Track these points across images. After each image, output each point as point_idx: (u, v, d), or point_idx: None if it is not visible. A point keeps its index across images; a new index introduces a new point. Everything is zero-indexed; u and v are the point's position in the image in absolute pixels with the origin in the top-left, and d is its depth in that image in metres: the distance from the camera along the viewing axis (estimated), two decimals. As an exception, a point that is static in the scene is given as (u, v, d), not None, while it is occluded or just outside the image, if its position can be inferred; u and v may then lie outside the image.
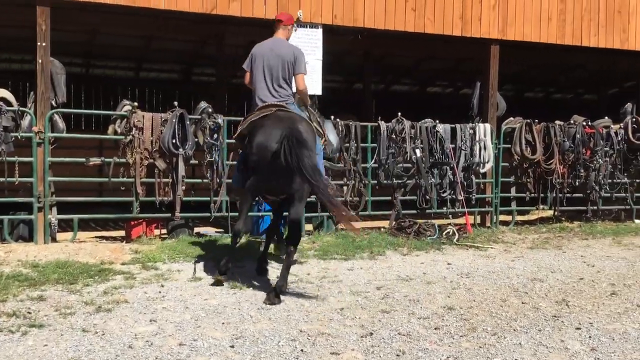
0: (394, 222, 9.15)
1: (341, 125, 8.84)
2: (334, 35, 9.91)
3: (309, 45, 8.74)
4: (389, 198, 9.27)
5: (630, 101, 11.37)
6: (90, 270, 6.25)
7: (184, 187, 7.98)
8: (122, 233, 8.84)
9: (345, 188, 8.87)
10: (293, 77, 6.05)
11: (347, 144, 8.85)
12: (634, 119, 10.52)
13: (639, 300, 5.56)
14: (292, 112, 5.86)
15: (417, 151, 9.17)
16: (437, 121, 9.42)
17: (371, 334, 4.51)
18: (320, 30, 8.79)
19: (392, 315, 5.00)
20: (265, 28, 8.86)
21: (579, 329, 4.73)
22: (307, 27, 8.71)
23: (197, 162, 8.34)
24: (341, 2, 8.82)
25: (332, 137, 8.55)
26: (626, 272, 6.73)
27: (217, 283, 5.79)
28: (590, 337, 4.55)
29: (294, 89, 6.16)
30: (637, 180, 10.54)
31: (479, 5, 9.54)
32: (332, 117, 8.90)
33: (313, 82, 8.76)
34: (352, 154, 8.88)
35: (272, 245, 6.96)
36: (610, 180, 10.28)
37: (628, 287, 6.05)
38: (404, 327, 4.68)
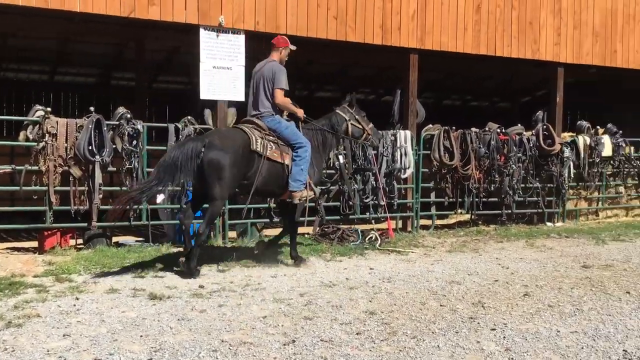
0: (317, 228, 9.20)
1: (264, 131, 8.80)
2: (257, 42, 9.89)
3: (232, 52, 8.68)
4: (313, 204, 9.29)
5: (541, 109, 11.92)
6: (0, 283, 5.94)
7: (101, 196, 7.73)
8: (35, 244, 8.45)
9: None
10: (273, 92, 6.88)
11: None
12: (544, 126, 11.03)
13: (550, 301, 5.82)
14: (236, 129, 6.87)
15: (341, 157, 9.25)
16: (359, 128, 9.53)
17: (293, 341, 4.50)
18: (242, 37, 8.74)
19: (315, 321, 5.01)
20: (187, 33, 8.79)
21: (494, 329, 4.90)
22: (229, 33, 8.64)
23: (115, 169, 8.09)
24: (264, 9, 8.81)
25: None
26: (538, 274, 7.04)
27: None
28: (504, 337, 4.72)
29: None
30: (548, 185, 11.04)
31: (398, 16, 9.77)
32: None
33: (236, 89, 8.73)
34: (275, 160, 8.85)
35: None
36: (523, 185, 10.72)
37: (540, 288, 6.32)
38: (326, 334, 4.70)
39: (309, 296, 5.81)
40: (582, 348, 4.52)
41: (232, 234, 8.95)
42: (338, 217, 9.49)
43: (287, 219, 7.55)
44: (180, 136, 8.21)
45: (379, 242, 8.70)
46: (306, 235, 9.07)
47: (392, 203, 9.75)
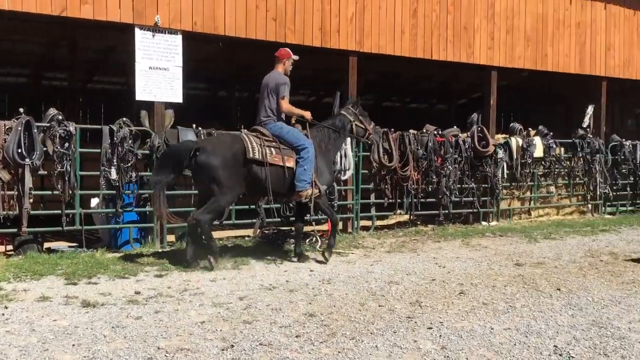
0: (258, 231, 9.14)
1: (203, 133, 8.70)
2: (195, 42, 9.76)
3: (169, 52, 8.54)
4: (253, 207, 9.24)
5: (476, 111, 12.23)
6: None
7: (31, 200, 7.44)
8: (-40, 251, 8.07)
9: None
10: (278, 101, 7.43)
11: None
12: (479, 128, 11.31)
13: (484, 299, 5.97)
14: (237, 136, 7.36)
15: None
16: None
17: (232, 346, 4.46)
18: (179, 37, 8.61)
19: (254, 325, 4.98)
20: (123, 32, 8.58)
21: (431, 328, 4.99)
22: (165, 33, 8.49)
23: (46, 172, 7.81)
24: (201, 9, 8.70)
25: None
26: (473, 272, 7.21)
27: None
28: (440, 335, 4.81)
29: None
30: (483, 185, 11.34)
31: (337, 18, 9.84)
32: (194, 125, 8.74)
33: (173, 90, 8.59)
34: (215, 162, 8.76)
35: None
36: (459, 186, 10.97)
37: (475, 286, 6.48)
38: (265, 337, 4.67)
39: (248, 300, 5.77)
40: (515, 344, 4.66)
41: (171, 238, 8.80)
42: (279, 220, 9.46)
43: (299, 220, 7.99)
44: (115, 138, 8.00)
45: (319, 243, 8.73)
46: (246, 238, 9.01)
47: (332, 205, 9.78)
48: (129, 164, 8.10)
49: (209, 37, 9.12)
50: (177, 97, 8.62)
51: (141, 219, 8.58)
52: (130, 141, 8.12)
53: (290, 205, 9.27)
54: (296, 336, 4.72)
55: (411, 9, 10.56)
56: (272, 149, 7.28)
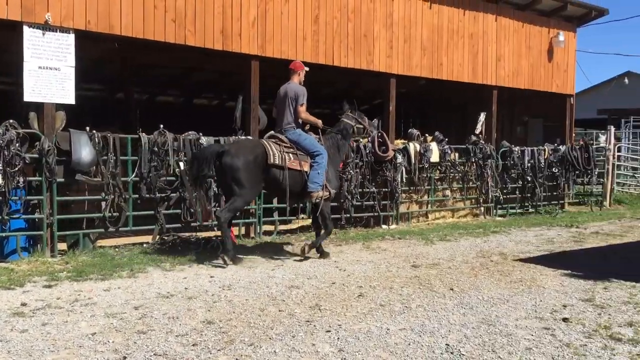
0: (157, 237, 8.90)
1: (98, 137, 8.36)
2: (90, 42, 9.38)
3: (60, 51, 8.15)
4: (152, 212, 8.99)
5: (377, 117, 12.52)
6: None
7: None
8: None
9: (103, 203, 8.42)
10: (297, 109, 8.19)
11: (106, 157, 8.42)
12: (379, 134, 11.58)
13: (382, 300, 6.11)
14: (259, 141, 8.16)
15: (181, 164, 9.04)
16: (201, 134, 9.40)
17: (125, 357, 4.30)
18: (72, 36, 8.22)
19: (149, 335, 4.83)
20: (11, 30, 8.08)
21: (329, 331, 5.04)
22: (57, 32, 8.09)
23: None
24: (95, 8, 8.36)
25: (87, 150, 8.08)
26: (372, 275, 7.37)
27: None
28: (338, 338, 4.87)
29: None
30: (383, 189, 11.62)
31: (238, 22, 9.76)
32: (88, 128, 8.39)
33: (65, 90, 8.21)
34: (110, 167, 8.45)
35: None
36: (360, 190, 11.18)
37: (373, 289, 6.61)
38: (160, 347, 4.55)
39: (144, 309, 5.59)
40: (409, 344, 4.79)
41: (62, 246, 8.38)
42: (179, 225, 9.25)
43: (325, 222, 8.55)
44: (1, 141, 7.51)
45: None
46: (144, 245, 8.74)
47: (235, 209, 9.68)
48: (16, 169, 7.64)
49: (104, 36, 8.78)
50: (69, 98, 8.24)
51: (29, 227, 8.11)
52: (17, 144, 7.67)
53: (191, 210, 9.11)
54: (193, 345, 4.63)
55: (313, 15, 10.67)
56: (290, 155, 8.05)
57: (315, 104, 21.74)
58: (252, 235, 10.06)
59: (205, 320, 5.28)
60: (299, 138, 8.21)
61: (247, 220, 10.07)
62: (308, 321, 5.30)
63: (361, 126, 9.07)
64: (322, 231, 8.55)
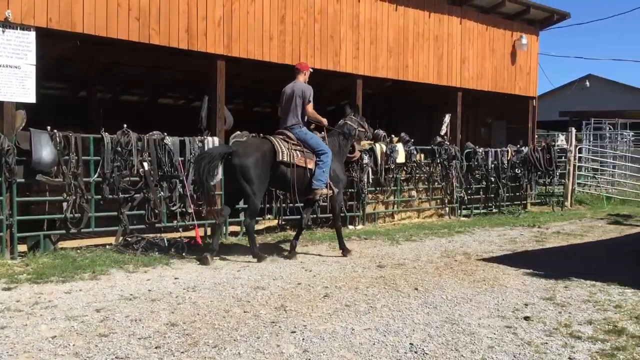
0: (120, 238, 8.77)
1: (59, 136, 8.20)
2: (52, 40, 9.21)
3: (21, 49, 7.98)
4: (115, 213, 8.85)
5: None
6: None
7: None
8: None
9: (65, 204, 8.26)
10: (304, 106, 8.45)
11: (67, 157, 8.26)
12: (346, 134, 11.61)
13: (347, 300, 6.13)
14: (265, 139, 8.33)
15: (145, 164, 8.93)
16: (166, 134, 9.29)
17: (85, 361, 4.23)
18: (33, 34, 8.05)
19: (111, 338, 4.76)
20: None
21: (294, 332, 5.03)
22: (17, 29, 7.91)
23: None
24: (57, 5, 8.20)
25: (48, 150, 7.92)
26: (338, 275, 7.38)
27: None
28: (303, 339, 4.87)
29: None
30: (350, 190, 11.66)
31: (204, 21, 9.69)
32: (49, 127, 8.22)
33: (25, 89, 8.03)
34: (72, 167, 8.30)
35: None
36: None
37: (339, 289, 6.63)
38: (122, 350, 4.48)
39: (106, 311, 5.51)
40: (374, 344, 4.82)
41: (22, 247, 8.19)
42: (143, 226, 9.13)
43: (306, 213, 8.99)
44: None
45: (186, 250, 8.52)
46: (107, 247, 8.60)
47: (200, 210, 9.61)
48: (-26, 169, 7.45)
49: (66, 34, 8.62)
50: (30, 97, 8.06)
51: (-12, 228, 7.91)
52: (-25, 144, 7.48)
53: (156, 211, 9.00)
54: (156, 347, 4.57)
55: (279, 15, 10.65)
56: (298, 152, 8.26)
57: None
58: (217, 236, 9.96)
59: (168, 322, 5.22)
60: (306, 136, 8.44)
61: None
62: (273, 322, 5.29)
63: (362, 129, 9.49)
64: (336, 231, 8.85)
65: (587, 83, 34.94)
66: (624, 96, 34.27)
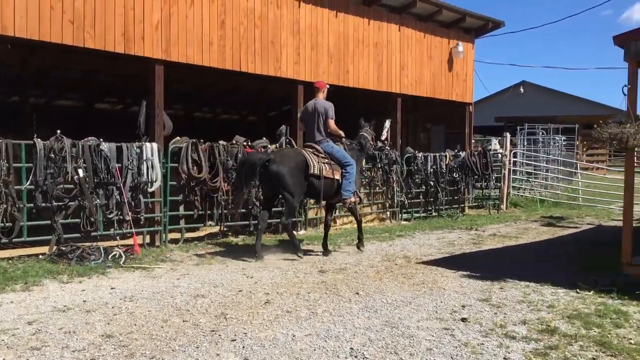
0: (54, 248, 8.49)
1: (-12, 143, 7.88)
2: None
3: (-55, 51, 7.62)
4: (49, 222, 8.56)
5: (286, 123, 12.56)
6: None
7: None
8: None
9: None
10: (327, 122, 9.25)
11: (-3, 164, 7.95)
12: (287, 140, 11.62)
13: (288, 307, 6.12)
14: (299, 151, 9.23)
15: (80, 171, 8.67)
16: (102, 140, 9.06)
17: (15, 377, 4.06)
18: (-42, 35, 7.72)
19: (43, 351, 4.59)
20: None
21: (235, 340, 4.99)
22: (-59, 30, 7.56)
23: None
24: (-14, 7, 7.89)
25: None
26: (280, 281, 7.36)
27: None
28: (244, 347, 4.83)
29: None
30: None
31: (141, 25, 9.50)
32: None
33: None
34: (2, 174, 7.98)
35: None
36: (269, 196, 11.14)
37: (280, 295, 6.61)
38: (55, 364, 4.33)
39: (38, 324, 5.32)
40: (315, 350, 4.82)
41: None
42: (79, 235, 8.86)
43: (329, 216, 9.97)
44: None
45: (123, 259, 8.32)
46: (40, 256, 8.30)
47: (138, 218, 9.42)
48: None
49: (-6, 38, 8.29)
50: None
51: None
52: None
53: (92, 219, 8.76)
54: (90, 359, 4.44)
55: (219, 20, 10.55)
56: (326, 165, 9.06)
57: (223, 109, 21.61)
58: (157, 243, 9.79)
59: (104, 334, 5.08)
60: (332, 150, 9.26)
61: (152, 229, 9.80)
62: (213, 331, 5.22)
63: (373, 142, 10.67)
64: (357, 225, 9.97)
65: (521, 89, 36.18)
66: (556, 102, 35.68)
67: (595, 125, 7.20)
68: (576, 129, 25.87)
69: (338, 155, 9.27)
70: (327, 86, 9.77)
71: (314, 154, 9.06)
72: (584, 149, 28.59)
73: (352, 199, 9.35)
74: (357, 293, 6.78)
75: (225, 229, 10.99)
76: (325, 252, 9.37)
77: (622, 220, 7.53)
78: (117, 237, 9.20)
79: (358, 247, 9.75)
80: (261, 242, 8.93)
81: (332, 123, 9.31)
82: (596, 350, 4.90)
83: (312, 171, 8.86)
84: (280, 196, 9.37)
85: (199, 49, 10.31)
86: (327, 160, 9.14)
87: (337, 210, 12.77)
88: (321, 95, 9.54)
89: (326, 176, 9.00)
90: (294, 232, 9.69)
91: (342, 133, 9.55)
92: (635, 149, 7.20)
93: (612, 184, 19.12)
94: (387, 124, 14.51)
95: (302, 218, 11.87)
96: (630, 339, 5.19)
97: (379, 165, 13.42)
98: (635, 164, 9.80)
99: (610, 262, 8.10)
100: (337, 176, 9.18)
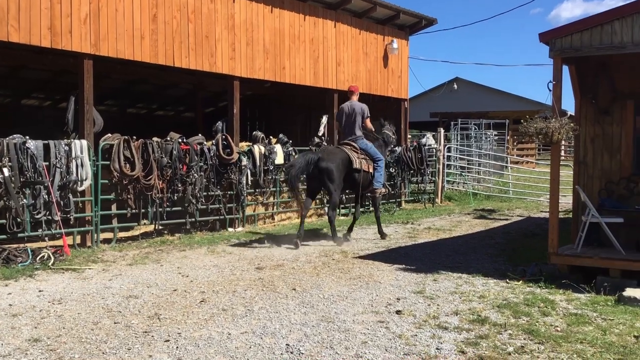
0: (-22, 251, 8.10)
1: None
2: None
3: None
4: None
5: (221, 120, 12.43)
6: None
7: None
8: None
9: None
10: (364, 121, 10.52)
11: None
12: (224, 137, 11.50)
13: (224, 305, 6.06)
14: (341, 148, 10.28)
15: (5, 170, 8.30)
16: (28, 137, 8.71)
17: None
18: None
19: (-36, 360, 4.38)
20: None
21: (168, 340, 4.90)
22: None
23: None
24: None
25: None
26: (216, 279, 7.28)
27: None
28: (177, 347, 4.75)
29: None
30: (229, 192, 11.55)
31: (69, 18, 9.18)
32: None
33: None
34: None
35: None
36: (205, 193, 11.01)
37: (216, 293, 6.54)
38: (-24, 372, 4.14)
39: (-42, 331, 5.07)
40: (250, 347, 4.80)
41: None
42: (4, 236, 8.49)
43: (357, 204, 11.11)
44: None
45: (52, 260, 8.04)
46: (-37, 260, 7.92)
47: (68, 218, 9.11)
48: None
49: None
50: None
51: None
52: None
53: (18, 220, 8.42)
54: (15, 366, 4.27)
55: (150, 14, 10.31)
56: (363, 160, 10.23)
57: (158, 105, 21.17)
58: (88, 244, 9.50)
59: (31, 338, 4.89)
60: (366, 147, 10.42)
61: (82, 229, 9.50)
62: (146, 332, 5.11)
63: (396, 137, 12.09)
64: (377, 221, 10.98)
65: (455, 86, 37.06)
66: (488, 98, 36.71)
67: (522, 121, 7.44)
68: (506, 124, 26.72)
69: (371, 151, 10.44)
70: (360, 90, 11.25)
71: (353, 151, 10.20)
72: (514, 144, 29.53)
73: (382, 190, 10.67)
74: (294, 289, 6.78)
75: (160, 227, 10.78)
76: (347, 235, 10.55)
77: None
78: (46, 238, 8.87)
79: (381, 237, 10.71)
80: (303, 228, 10.02)
81: (368, 122, 10.60)
82: (524, 339, 5.07)
83: (355, 166, 10.06)
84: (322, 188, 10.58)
85: (129, 44, 10.05)
86: (363, 155, 10.29)
87: (275, 207, 12.76)
88: (355, 97, 10.71)
89: (365, 170, 10.19)
90: (303, 225, 10.26)
91: (373, 128, 10.87)
92: (561, 143, 7.48)
93: (541, 177, 19.87)
94: (324, 120, 14.65)
95: (239, 215, 11.78)
96: (557, 326, 5.40)
97: (317, 161, 13.44)
98: (562, 157, 10.19)
99: (538, 252, 8.42)
100: (371, 169, 10.34)
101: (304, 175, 10.28)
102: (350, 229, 10.81)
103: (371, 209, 14.98)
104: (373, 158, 10.44)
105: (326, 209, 10.53)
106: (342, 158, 10.03)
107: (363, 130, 10.57)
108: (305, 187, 10.87)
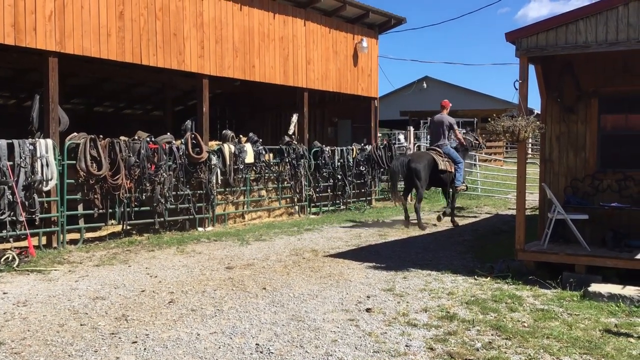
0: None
1: None
2: None
3: None
4: None
5: (190, 118, 12.31)
6: None
7: None
8: None
9: None
10: (452, 132, 12.62)
11: None
12: (193, 135, 11.40)
13: (193, 305, 6.01)
14: (428, 152, 12.47)
15: (-33, 170, 8.11)
16: (-9, 136, 8.52)
17: None
18: None
19: None
20: None
21: (136, 342, 4.83)
22: None
23: None
24: None
25: None
26: (185, 279, 7.21)
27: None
28: (145, 349, 4.69)
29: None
30: (199, 191, 11.45)
31: (33, 15, 8.99)
32: None
33: None
34: None
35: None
36: (174, 193, 10.90)
37: (185, 294, 6.48)
38: (-64, 378, 4.03)
39: None
40: (220, 347, 4.76)
41: None
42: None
43: (446, 197, 13.14)
44: None
45: (17, 262, 7.87)
46: None
47: (33, 218, 8.93)
48: None
49: None
50: None
51: None
52: None
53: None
54: (-23, 371, 4.17)
55: (117, 11, 10.16)
56: (447, 162, 12.17)
57: (126, 104, 20.90)
58: (54, 245, 9.33)
59: (-6, 342, 4.78)
60: (449, 151, 12.36)
61: (47, 230, 9.32)
62: (113, 333, 5.04)
63: (477, 141, 14.29)
64: (448, 208, 12.72)
65: (424, 84, 37.35)
66: (457, 96, 37.01)
67: (490, 119, 7.53)
68: (475, 122, 27.02)
69: (453, 155, 12.37)
70: (450, 105, 12.88)
71: (438, 155, 12.16)
72: (483, 142, 29.86)
73: (463, 187, 12.80)
74: (264, 288, 6.75)
75: (128, 227, 10.64)
76: (454, 224, 12.48)
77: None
78: (10, 239, 8.67)
79: (453, 224, 12.43)
80: (409, 213, 12.20)
81: (458, 132, 12.86)
82: (492, 334, 5.13)
83: (440, 167, 11.97)
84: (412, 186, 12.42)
85: (96, 41, 9.89)
86: (446, 159, 12.20)
87: (245, 206, 12.70)
88: (445, 111, 12.61)
89: (449, 170, 12.12)
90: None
91: (462, 139, 13.01)
92: (527, 141, 7.59)
93: (509, 175, 20.11)
94: (294, 118, 14.61)
95: (209, 214, 11.69)
96: (524, 322, 5.47)
97: (287, 160, 13.43)
98: (528, 155, 10.41)
99: (505, 249, 8.53)
100: (452, 170, 12.21)
101: (401, 176, 12.15)
102: (439, 217, 12.62)
103: (342, 207, 15.18)
104: (455, 161, 12.34)
105: (413, 201, 12.66)
106: (429, 159, 12.02)
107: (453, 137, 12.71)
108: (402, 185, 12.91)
